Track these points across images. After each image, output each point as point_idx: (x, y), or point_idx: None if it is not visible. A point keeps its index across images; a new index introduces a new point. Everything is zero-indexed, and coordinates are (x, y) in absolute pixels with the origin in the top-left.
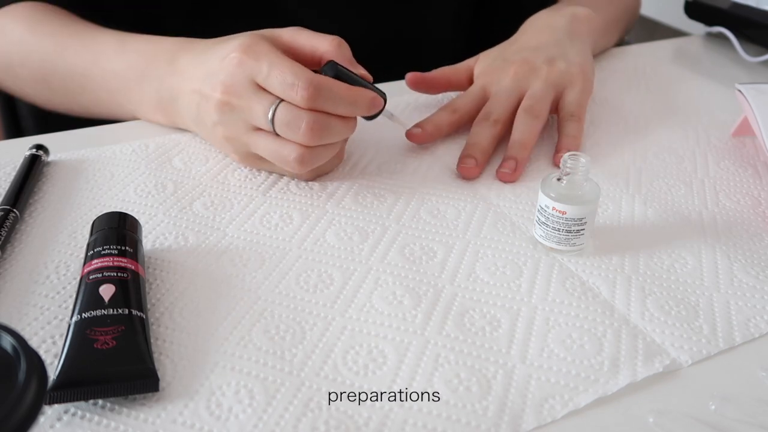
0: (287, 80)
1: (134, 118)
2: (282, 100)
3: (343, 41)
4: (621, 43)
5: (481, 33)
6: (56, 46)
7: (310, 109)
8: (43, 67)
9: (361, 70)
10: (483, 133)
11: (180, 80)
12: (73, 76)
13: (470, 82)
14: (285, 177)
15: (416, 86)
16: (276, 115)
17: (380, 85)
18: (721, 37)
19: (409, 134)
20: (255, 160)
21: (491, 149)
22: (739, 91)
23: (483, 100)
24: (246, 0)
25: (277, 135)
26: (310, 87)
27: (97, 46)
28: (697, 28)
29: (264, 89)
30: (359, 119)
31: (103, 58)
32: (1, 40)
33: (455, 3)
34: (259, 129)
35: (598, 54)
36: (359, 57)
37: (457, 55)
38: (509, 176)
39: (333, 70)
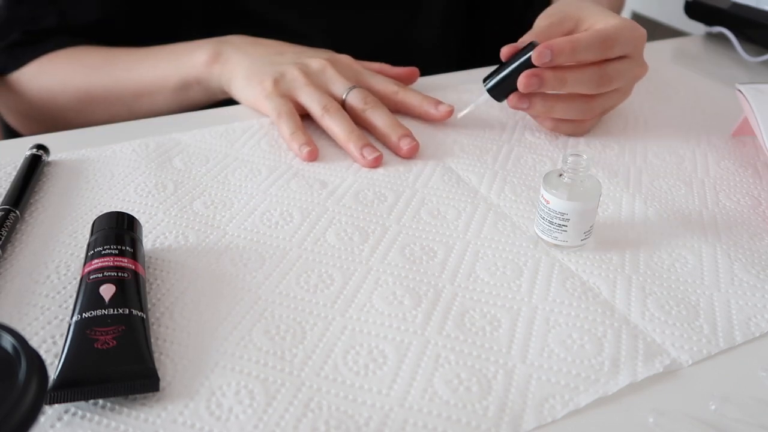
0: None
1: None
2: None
3: None
4: None
5: (475, 35)
6: (96, 64)
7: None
8: (86, 82)
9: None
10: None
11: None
12: (120, 73)
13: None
14: (285, 175)
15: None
16: (349, 94)
17: None
18: (721, 37)
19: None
20: (279, 96)
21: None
22: (739, 91)
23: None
24: (246, 15)
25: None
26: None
27: (140, 51)
28: (697, 28)
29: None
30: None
31: (151, 54)
32: (42, 76)
33: (443, 4)
34: (318, 86)
35: None
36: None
37: (449, 58)
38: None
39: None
